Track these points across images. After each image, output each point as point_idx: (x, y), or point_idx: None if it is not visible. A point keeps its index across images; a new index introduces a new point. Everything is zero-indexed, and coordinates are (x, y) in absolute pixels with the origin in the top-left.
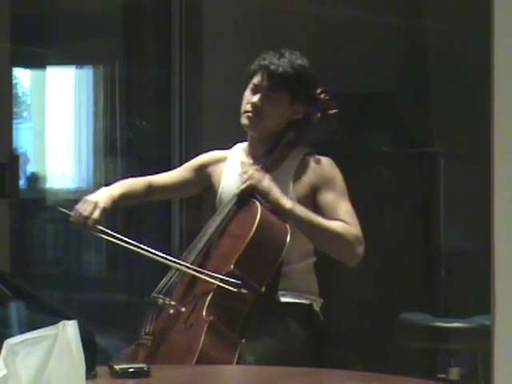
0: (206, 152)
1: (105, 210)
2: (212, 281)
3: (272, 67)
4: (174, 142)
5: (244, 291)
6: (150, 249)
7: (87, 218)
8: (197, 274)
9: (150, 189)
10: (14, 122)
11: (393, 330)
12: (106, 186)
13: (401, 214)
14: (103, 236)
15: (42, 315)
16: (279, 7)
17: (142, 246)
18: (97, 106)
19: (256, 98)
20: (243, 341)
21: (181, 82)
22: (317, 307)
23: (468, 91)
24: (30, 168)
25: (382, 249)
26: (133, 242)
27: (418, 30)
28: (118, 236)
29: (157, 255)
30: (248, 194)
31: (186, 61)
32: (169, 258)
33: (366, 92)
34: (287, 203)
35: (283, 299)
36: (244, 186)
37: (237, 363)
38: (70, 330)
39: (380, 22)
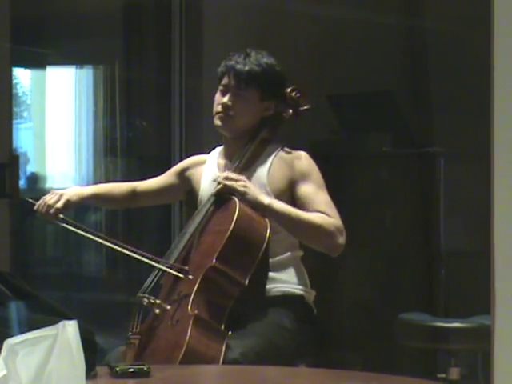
0: (189, 154)
1: (68, 202)
2: (160, 267)
3: (238, 66)
4: (174, 142)
5: (190, 277)
6: (107, 238)
7: (50, 206)
8: (140, 258)
9: (134, 194)
10: (14, 122)
11: (393, 330)
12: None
13: (401, 213)
14: (64, 225)
15: (42, 315)
16: (279, 7)
17: (104, 236)
18: (97, 106)
19: (226, 99)
20: (230, 333)
21: (181, 81)
22: (308, 299)
23: (468, 91)
24: (30, 168)
25: (382, 249)
26: (95, 233)
27: (417, 30)
28: (80, 226)
29: (114, 244)
30: (225, 193)
31: (186, 61)
32: (124, 246)
33: (366, 92)
34: (265, 200)
35: (271, 292)
36: (218, 188)
37: (224, 356)
38: (70, 330)
39: (380, 22)
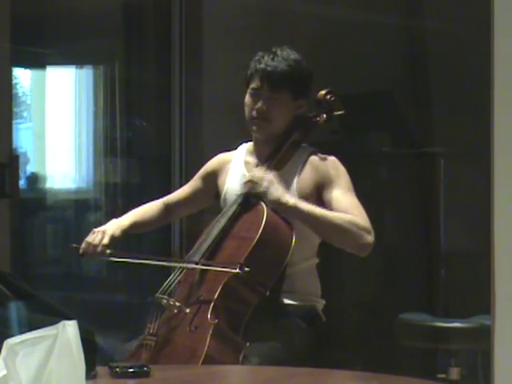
0: (210, 153)
1: (113, 237)
2: (220, 269)
3: (269, 69)
4: (174, 142)
5: (247, 269)
6: (162, 258)
7: (97, 245)
8: (211, 268)
9: (168, 209)
10: (14, 122)
11: (393, 329)
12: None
13: (401, 213)
14: (116, 259)
15: (42, 315)
16: (279, 7)
17: (154, 257)
18: (97, 106)
19: (260, 103)
20: (247, 344)
21: (181, 82)
22: (319, 309)
23: (468, 91)
24: (30, 168)
25: (382, 249)
26: (146, 256)
27: (418, 30)
28: (130, 255)
29: (169, 261)
30: (252, 196)
31: (186, 61)
32: (179, 260)
33: (366, 92)
34: (290, 200)
35: (286, 301)
36: (245, 190)
37: (241, 364)
38: (70, 330)
39: (380, 22)
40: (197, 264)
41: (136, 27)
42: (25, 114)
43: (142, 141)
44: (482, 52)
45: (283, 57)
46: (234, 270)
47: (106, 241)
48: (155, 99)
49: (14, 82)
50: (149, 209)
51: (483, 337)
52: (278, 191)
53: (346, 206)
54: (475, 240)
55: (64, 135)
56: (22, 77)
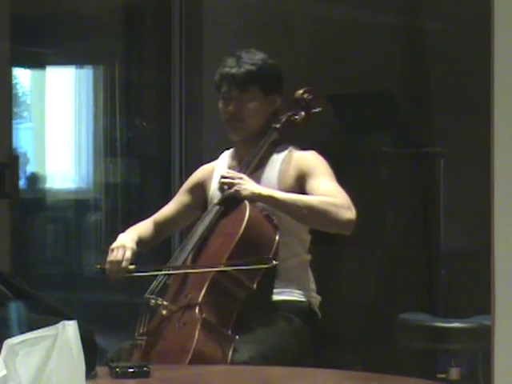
0: (211, 153)
1: (134, 250)
2: (210, 270)
3: (233, 71)
4: (174, 141)
5: (275, 262)
6: (181, 266)
7: (120, 261)
8: (209, 270)
9: (157, 227)
10: (14, 122)
11: (393, 330)
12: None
13: (401, 213)
14: (138, 274)
15: (42, 315)
16: (279, 7)
17: (172, 266)
18: (97, 106)
19: (231, 105)
20: (237, 337)
21: (181, 82)
22: (314, 304)
23: (468, 91)
24: (30, 168)
25: (381, 249)
26: (166, 267)
27: (418, 30)
28: (153, 267)
29: (188, 268)
30: (229, 196)
31: (186, 61)
32: (198, 268)
33: (366, 92)
34: (263, 191)
35: (277, 297)
36: (220, 192)
37: (231, 360)
38: (69, 330)
39: (380, 22)
40: (221, 266)
41: (136, 27)
42: (25, 113)
43: (142, 141)
44: (482, 52)
45: (248, 57)
46: (263, 266)
47: (128, 255)
48: (155, 99)
49: (14, 82)
50: (144, 227)
51: (483, 337)
52: (250, 186)
53: (324, 190)
54: (475, 240)
55: (64, 135)
56: (22, 77)
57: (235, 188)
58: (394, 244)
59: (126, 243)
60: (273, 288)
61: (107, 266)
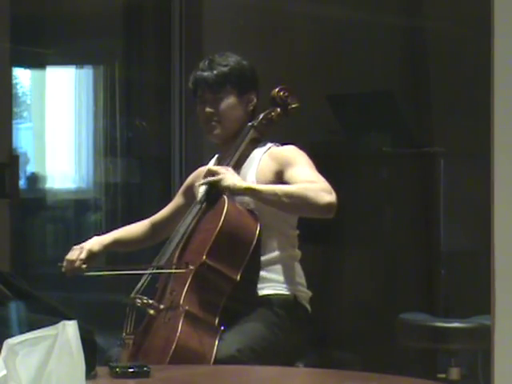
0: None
1: (91, 252)
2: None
3: (205, 74)
4: (174, 142)
5: (191, 267)
6: (133, 268)
7: (74, 261)
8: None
9: (154, 228)
10: (14, 122)
11: (393, 330)
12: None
13: (401, 213)
14: (92, 273)
15: (42, 315)
16: (279, 7)
17: (127, 268)
18: (97, 106)
19: (207, 107)
20: (222, 328)
21: (181, 82)
22: (302, 299)
23: (468, 91)
24: (30, 168)
25: (381, 249)
26: (119, 268)
27: (418, 30)
28: (105, 267)
29: (139, 269)
30: (210, 186)
31: (186, 61)
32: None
33: (366, 92)
34: (243, 184)
35: (262, 291)
36: (201, 183)
37: (217, 352)
38: (69, 330)
39: (380, 22)
40: (162, 268)
41: (136, 27)
42: (25, 113)
43: (142, 141)
44: (482, 52)
45: (219, 60)
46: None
47: (83, 255)
48: (155, 99)
49: (14, 82)
50: (134, 228)
51: (483, 337)
52: (231, 178)
53: (303, 177)
54: (475, 240)
55: (64, 135)
56: (22, 77)
57: (215, 179)
58: (393, 244)
59: (85, 245)
60: (257, 281)
61: (64, 263)
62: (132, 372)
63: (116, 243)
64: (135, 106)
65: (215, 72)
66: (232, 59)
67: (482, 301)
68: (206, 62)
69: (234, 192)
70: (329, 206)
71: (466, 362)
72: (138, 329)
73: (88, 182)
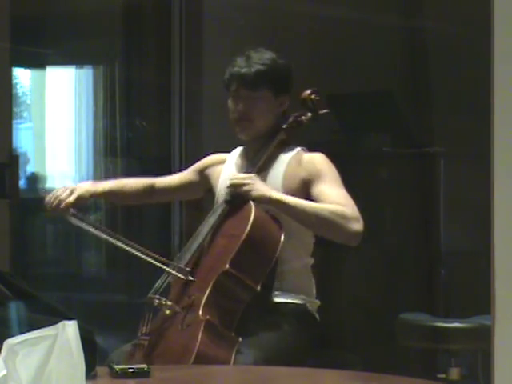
0: (206, 153)
1: (80, 197)
2: (164, 267)
3: (243, 71)
4: (174, 141)
5: (191, 279)
6: (126, 241)
7: (61, 200)
8: (150, 260)
9: (152, 189)
10: (14, 122)
11: (393, 330)
12: None
13: (401, 213)
14: (75, 221)
15: (42, 315)
16: (279, 7)
17: (117, 236)
18: (97, 106)
19: (240, 105)
20: (240, 339)
21: (181, 82)
22: (312, 308)
23: (468, 91)
24: (30, 168)
25: (381, 249)
26: (107, 231)
27: (418, 30)
28: (93, 223)
29: (122, 241)
30: (236, 197)
31: (186, 61)
32: (140, 248)
33: (366, 92)
34: (274, 195)
35: (277, 299)
36: (227, 191)
37: (234, 362)
38: (69, 330)
39: (380, 22)
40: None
41: (136, 27)
42: (25, 114)
43: (142, 141)
44: (482, 52)
45: (257, 57)
46: (177, 274)
47: (71, 199)
48: (155, 99)
49: (14, 82)
50: (131, 183)
51: (483, 337)
52: (260, 188)
53: (333, 198)
54: (475, 240)
55: (64, 135)
56: (22, 77)
57: (245, 188)
58: (393, 244)
59: (77, 188)
60: (274, 290)
61: (49, 196)
62: (132, 372)
63: (109, 194)
64: (135, 106)
65: (253, 70)
66: (269, 57)
67: (482, 301)
68: (244, 58)
69: (263, 202)
70: (356, 235)
71: (466, 362)
72: (152, 328)
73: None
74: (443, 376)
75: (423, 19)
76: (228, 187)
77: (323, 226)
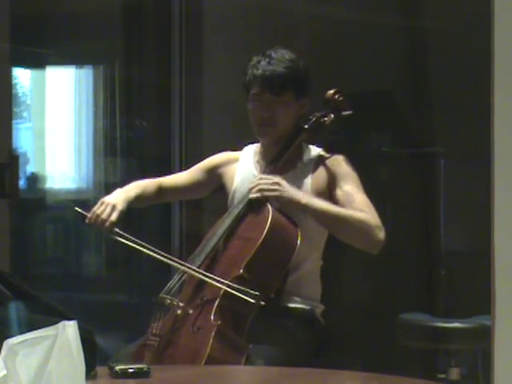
0: (210, 153)
1: (122, 213)
2: (220, 286)
3: (267, 74)
4: (174, 141)
5: (263, 303)
6: (162, 253)
7: (105, 220)
8: (208, 280)
9: (161, 190)
10: (14, 122)
11: (393, 330)
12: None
13: (401, 213)
14: (120, 239)
15: (42, 315)
16: (279, 7)
17: (155, 249)
18: (97, 106)
19: (263, 109)
20: (251, 346)
21: (181, 81)
22: (317, 313)
23: (468, 91)
24: (30, 168)
25: (382, 249)
26: (148, 246)
27: (418, 30)
28: (135, 240)
29: (169, 259)
30: (260, 200)
31: (186, 61)
32: (180, 261)
33: (366, 92)
34: (302, 198)
35: (286, 304)
36: (254, 196)
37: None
38: (69, 330)
39: (380, 22)
40: (195, 270)
41: (136, 27)
42: (25, 114)
43: (142, 141)
44: (482, 52)
45: (279, 59)
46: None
47: (114, 218)
48: (155, 99)
49: (13, 82)
50: (148, 186)
51: (483, 337)
52: (288, 191)
53: (357, 203)
54: (475, 240)
55: (64, 135)
56: (22, 77)
57: (274, 194)
58: (393, 244)
59: (117, 204)
60: (283, 293)
61: (90, 215)
62: (132, 372)
63: (137, 200)
64: (135, 106)
65: (277, 73)
66: (290, 58)
67: (482, 301)
68: (266, 59)
69: (291, 206)
70: (380, 244)
71: (466, 362)
72: (162, 329)
73: (88, 182)
74: (443, 376)
75: (423, 19)
76: (253, 191)
77: (348, 233)
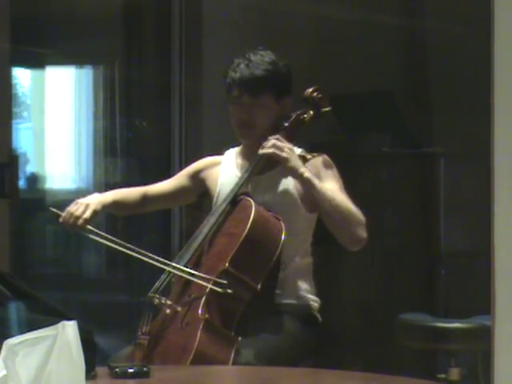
0: (210, 153)
1: (95, 212)
2: (202, 283)
3: (245, 77)
4: (174, 142)
5: (229, 291)
6: (140, 251)
7: (78, 217)
8: (187, 276)
9: (145, 198)
10: (14, 122)
11: (393, 330)
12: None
13: (401, 214)
14: (92, 236)
15: (42, 315)
16: (279, 7)
17: (132, 247)
18: (97, 106)
19: (243, 112)
20: (239, 339)
21: (181, 82)
22: (314, 308)
23: (468, 91)
24: (30, 168)
25: (381, 249)
26: (123, 244)
27: (418, 30)
28: (108, 237)
29: (147, 257)
30: (263, 164)
31: (186, 61)
32: (158, 258)
33: (366, 92)
34: (306, 172)
35: (279, 299)
36: (266, 151)
37: (233, 362)
38: (69, 330)
39: (380, 22)
40: (179, 270)
41: (136, 27)
42: (25, 114)
43: (142, 141)
44: (482, 52)
45: (257, 61)
46: (215, 288)
47: (87, 215)
48: (155, 99)
49: (13, 82)
50: (130, 193)
51: (483, 337)
52: (297, 161)
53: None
54: (475, 240)
55: (64, 135)
56: (22, 77)
57: (284, 155)
58: (393, 244)
59: (91, 203)
60: (275, 289)
61: (64, 214)
62: (132, 372)
63: (114, 205)
64: (135, 106)
65: (255, 76)
66: (270, 61)
67: (482, 301)
68: (245, 62)
69: (295, 176)
70: (361, 241)
71: (466, 362)
72: (151, 327)
73: (88, 181)
74: (443, 376)
75: (423, 19)
76: (267, 146)
77: (339, 221)
